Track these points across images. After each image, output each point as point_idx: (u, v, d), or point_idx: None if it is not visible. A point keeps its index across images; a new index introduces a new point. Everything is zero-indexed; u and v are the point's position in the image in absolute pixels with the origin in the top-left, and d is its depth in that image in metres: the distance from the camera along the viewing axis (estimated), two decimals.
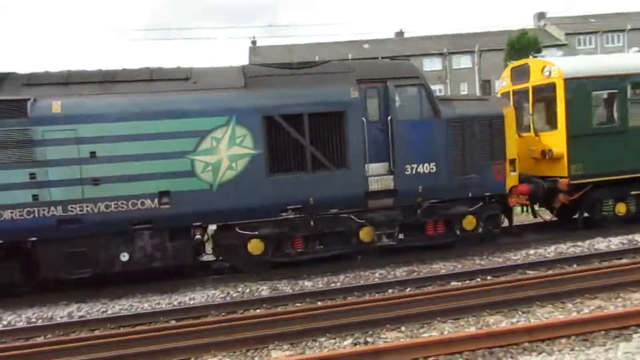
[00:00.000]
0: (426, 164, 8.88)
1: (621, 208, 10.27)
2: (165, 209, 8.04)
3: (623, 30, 46.95)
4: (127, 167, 7.90)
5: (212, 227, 8.63)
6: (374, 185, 8.72)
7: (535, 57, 10.83)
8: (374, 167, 8.75)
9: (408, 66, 9.28)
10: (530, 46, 29.90)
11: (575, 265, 8.16)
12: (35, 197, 7.66)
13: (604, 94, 10.09)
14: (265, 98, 8.40)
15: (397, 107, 8.80)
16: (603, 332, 5.28)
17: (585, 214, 10.38)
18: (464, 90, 46.09)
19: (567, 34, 47.35)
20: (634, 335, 5.17)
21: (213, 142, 8.15)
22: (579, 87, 9.67)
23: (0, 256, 7.88)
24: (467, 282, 7.71)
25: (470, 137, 9.11)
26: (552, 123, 10.04)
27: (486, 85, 43.52)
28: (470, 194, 9.19)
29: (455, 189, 9.08)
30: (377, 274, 8.51)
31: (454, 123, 9.04)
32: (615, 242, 9.33)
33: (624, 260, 8.16)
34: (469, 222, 9.34)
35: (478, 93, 36.11)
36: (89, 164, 7.79)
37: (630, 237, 9.57)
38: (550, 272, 7.85)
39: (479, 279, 7.82)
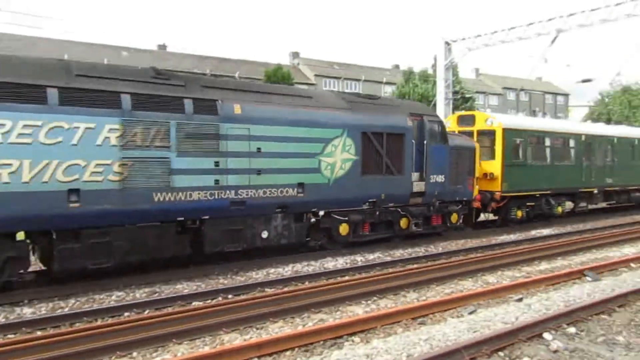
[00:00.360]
0: (440, 175, 12.78)
1: (519, 213, 15.59)
2: (300, 197, 10.33)
3: (359, 80, 55.14)
4: (279, 162, 9.96)
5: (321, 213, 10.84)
6: (414, 187, 12.28)
7: (479, 110, 15.83)
8: (415, 175, 12.28)
9: (432, 108, 14.48)
10: (284, 80, 32.64)
11: (307, 283, 8.99)
12: (216, 181, 9.20)
13: (518, 140, 15.38)
14: (362, 119, 11.31)
15: (428, 134, 12.46)
16: (322, 342, 5.89)
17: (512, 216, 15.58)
18: None
19: (316, 75, 53.17)
20: (346, 343, 5.92)
21: (332, 147, 10.76)
22: (509, 134, 15.05)
23: (177, 231, 9.02)
24: (209, 301, 7.74)
25: (460, 160, 13.27)
26: (491, 155, 14.97)
27: None
28: (457, 198, 13.36)
29: (450, 193, 13.09)
30: (113, 296, 7.87)
31: (453, 149, 13.09)
32: (341, 262, 10.63)
33: (346, 278, 9.35)
34: (455, 217, 13.49)
35: None
36: (256, 157, 9.65)
37: (352, 257, 11.06)
38: (286, 289, 8.47)
39: (220, 298, 7.93)
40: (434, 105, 23.60)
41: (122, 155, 8.13)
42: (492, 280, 9.35)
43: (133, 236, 8.42)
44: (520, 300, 7.70)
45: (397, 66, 61.42)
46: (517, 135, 15.28)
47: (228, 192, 9.30)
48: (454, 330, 6.10)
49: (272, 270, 9.86)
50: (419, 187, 12.34)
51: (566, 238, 13.80)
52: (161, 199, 8.54)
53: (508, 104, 66.38)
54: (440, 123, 13.02)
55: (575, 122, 22.72)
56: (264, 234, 10.00)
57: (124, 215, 8.24)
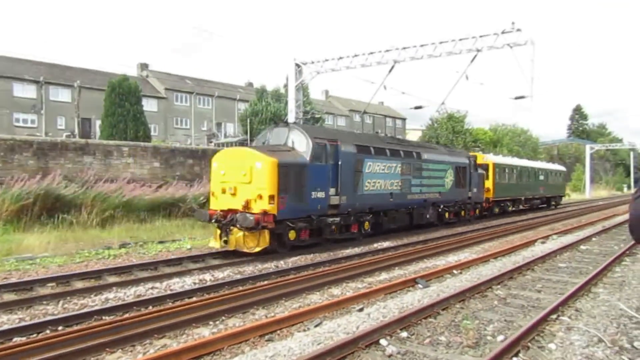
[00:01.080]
0: (475, 188, 24.03)
1: (497, 209, 28.29)
2: (439, 198, 21.03)
3: (212, 96, 54.43)
4: (435, 181, 20.78)
5: None
6: (468, 194, 23.39)
7: (479, 152, 30.54)
8: (468, 188, 23.31)
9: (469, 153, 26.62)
10: (131, 92, 30.81)
11: (151, 307, 8.49)
12: (420, 190, 19.33)
13: (499, 170, 28.40)
14: (455, 160, 22.30)
15: (472, 166, 23.89)
16: None
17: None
18: (61, 124, 43.04)
19: (167, 89, 51.24)
20: None
21: (448, 174, 21.41)
22: (496, 166, 27.91)
23: (407, 213, 18.84)
24: (34, 335, 6.88)
25: (480, 179, 24.92)
26: (487, 178, 26.57)
27: (87, 124, 41.93)
28: (478, 200, 24.99)
29: (478, 198, 24.73)
30: None
31: (480, 174, 25.11)
32: (189, 283, 10.26)
33: (194, 299, 9.05)
34: (477, 211, 25.33)
35: (77, 130, 34.29)
36: (428, 178, 20.14)
37: (201, 276, 10.75)
38: (127, 315, 7.91)
39: (48, 331, 7.10)
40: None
41: (401, 177, 17.86)
42: (337, 292, 9.80)
43: (400, 214, 18.21)
44: (361, 310, 8.18)
45: (250, 84, 62.03)
46: (499, 167, 28.55)
47: (422, 195, 19.31)
48: (300, 344, 6.25)
49: (112, 295, 9.14)
50: (469, 194, 23.45)
51: (403, 250, 15.08)
52: (408, 198, 18.39)
53: (354, 125, 71.02)
54: (475, 158, 24.99)
55: (519, 159, 36.20)
56: (427, 215, 19.81)
57: (401, 205, 18.12)
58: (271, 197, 12.74)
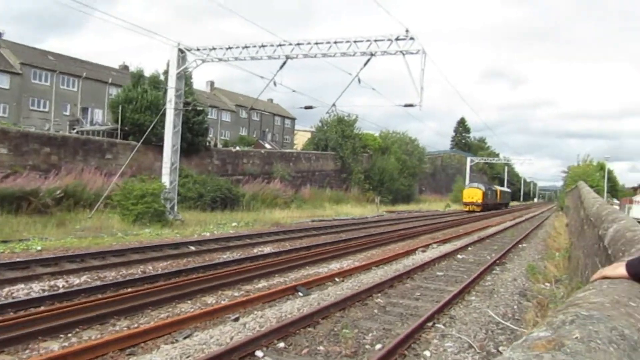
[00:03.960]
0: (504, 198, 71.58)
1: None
2: None
3: (79, 76, 50.62)
4: None
5: None
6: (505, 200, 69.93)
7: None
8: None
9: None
10: None
11: None
12: None
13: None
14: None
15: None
16: None
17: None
18: None
19: (22, 64, 46.69)
20: None
21: None
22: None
23: None
24: None
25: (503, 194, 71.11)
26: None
27: None
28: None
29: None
30: None
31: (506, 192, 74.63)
32: (36, 289, 9.40)
33: (42, 308, 8.28)
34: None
35: None
36: None
37: (52, 282, 9.90)
38: None
39: None
40: (163, 114, 23.32)
41: None
42: (212, 301, 9.60)
43: None
44: (237, 319, 8.09)
45: (125, 67, 58.68)
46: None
47: None
48: (166, 358, 6.01)
49: None
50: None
51: (284, 256, 15.21)
52: None
53: (240, 122, 70.43)
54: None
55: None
56: None
57: None
58: None
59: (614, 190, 62.34)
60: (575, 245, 13.25)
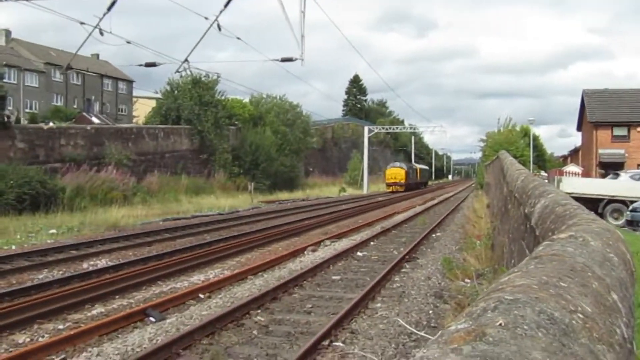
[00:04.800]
0: None
1: None
2: None
3: None
4: None
5: None
6: None
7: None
8: None
9: None
10: None
11: None
12: None
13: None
14: None
15: None
16: None
17: None
18: None
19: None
20: None
21: None
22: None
23: None
24: None
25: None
26: None
27: None
28: None
29: None
30: None
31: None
32: None
33: None
34: None
35: None
36: None
37: None
38: None
39: None
40: None
41: None
42: (23, 340, 9.11)
43: None
44: None
45: None
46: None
47: None
48: None
49: None
50: None
51: (127, 269, 14.78)
52: None
53: (54, 87, 66.77)
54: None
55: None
56: None
57: None
58: None
59: (542, 160, 67.66)
60: (499, 230, 14.34)
